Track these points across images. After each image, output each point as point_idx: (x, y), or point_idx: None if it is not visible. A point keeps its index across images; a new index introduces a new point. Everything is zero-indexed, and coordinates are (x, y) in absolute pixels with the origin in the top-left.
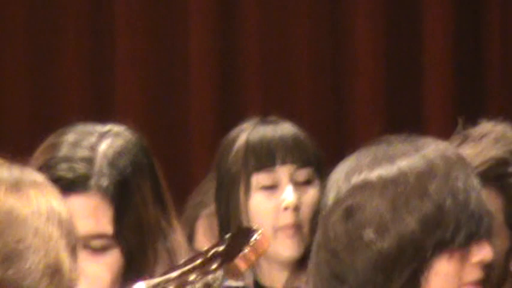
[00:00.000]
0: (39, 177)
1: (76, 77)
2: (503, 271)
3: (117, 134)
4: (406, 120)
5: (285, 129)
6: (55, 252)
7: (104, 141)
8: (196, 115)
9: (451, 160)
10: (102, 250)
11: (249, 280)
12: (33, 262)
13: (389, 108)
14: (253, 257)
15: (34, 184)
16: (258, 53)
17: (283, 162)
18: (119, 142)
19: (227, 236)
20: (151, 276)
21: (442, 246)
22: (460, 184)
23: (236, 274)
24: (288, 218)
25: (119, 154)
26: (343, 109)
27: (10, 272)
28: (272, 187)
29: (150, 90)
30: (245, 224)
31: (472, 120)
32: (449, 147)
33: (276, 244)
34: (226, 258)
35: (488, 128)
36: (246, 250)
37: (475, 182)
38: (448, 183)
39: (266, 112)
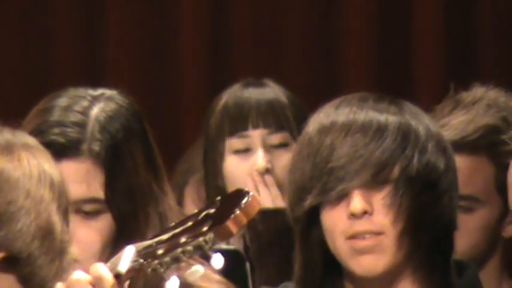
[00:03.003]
0: (31, 140)
1: (68, 41)
2: (495, 236)
3: (109, 98)
4: (397, 82)
5: (264, 93)
6: (46, 214)
7: (96, 105)
8: (187, 80)
9: None
10: (93, 215)
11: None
12: (25, 224)
13: (380, 70)
14: (244, 220)
15: (25, 147)
16: (249, 17)
17: (255, 127)
18: (111, 106)
19: (218, 198)
20: (143, 241)
21: None
22: None
23: (227, 236)
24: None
25: (111, 118)
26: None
27: (1, 233)
28: (245, 151)
29: (141, 55)
30: (222, 188)
31: (464, 83)
32: None
33: None
34: (217, 220)
35: (480, 93)
36: (237, 212)
37: None
38: None
39: (258, 77)
